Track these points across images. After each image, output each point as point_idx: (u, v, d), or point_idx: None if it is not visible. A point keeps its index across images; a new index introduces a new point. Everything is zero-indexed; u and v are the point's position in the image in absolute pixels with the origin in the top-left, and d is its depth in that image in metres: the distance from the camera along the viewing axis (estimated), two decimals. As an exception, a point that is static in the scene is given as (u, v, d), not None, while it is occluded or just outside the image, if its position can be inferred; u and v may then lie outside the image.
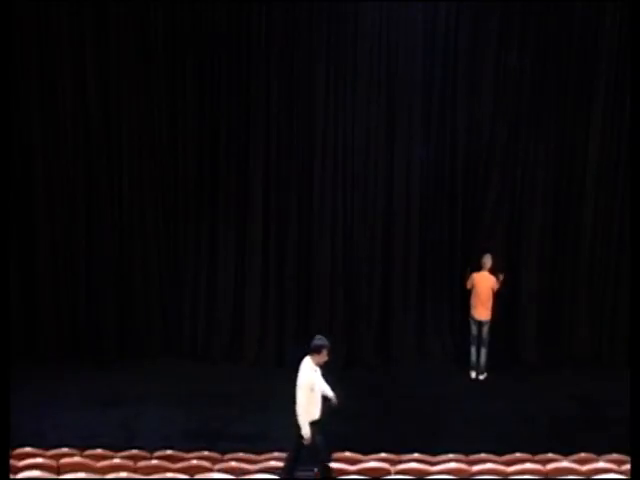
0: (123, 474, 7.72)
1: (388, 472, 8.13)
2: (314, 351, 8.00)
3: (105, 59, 11.50)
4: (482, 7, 11.62)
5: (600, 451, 8.81)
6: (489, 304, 11.55)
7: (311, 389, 7.98)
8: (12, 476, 7.43)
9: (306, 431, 7.96)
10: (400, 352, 12.29)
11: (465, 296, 12.13)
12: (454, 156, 12.04)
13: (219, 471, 8.04)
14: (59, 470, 7.93)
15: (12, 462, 7.75)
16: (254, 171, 11.88)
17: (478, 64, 11.80)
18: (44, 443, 8.95)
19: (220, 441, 9.72)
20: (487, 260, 11.55)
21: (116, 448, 8.80)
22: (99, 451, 8.60)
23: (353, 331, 12.27)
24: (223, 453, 8.75)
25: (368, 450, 8.78)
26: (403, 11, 11.56)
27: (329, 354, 8.00)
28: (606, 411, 10.75)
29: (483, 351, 11.62)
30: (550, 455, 8.66)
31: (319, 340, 8.02)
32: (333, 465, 8.22)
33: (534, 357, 12.22)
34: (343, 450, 8.69)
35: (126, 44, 11.47)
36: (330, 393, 8.23)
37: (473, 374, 11.73)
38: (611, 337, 12.39)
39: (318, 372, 8.09)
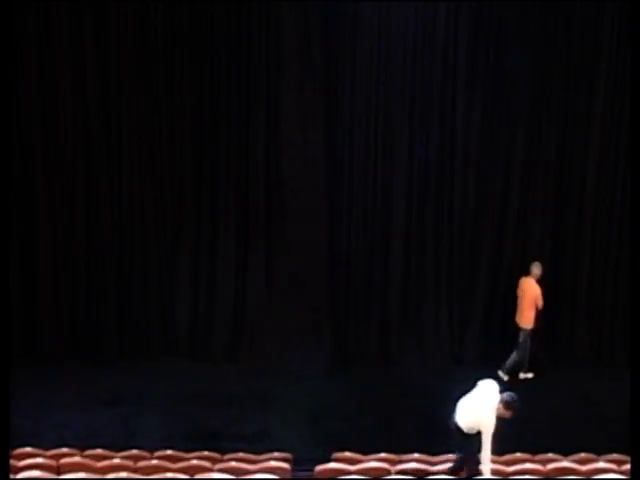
0: (123, 474, 7.72)
1: (388, 472, 8.14)
2: (504, 405, 7.94)
3: (105, 59, 11.47)
4: (482, 7, 11.61)
5: (600, 451, 8.82)
6: (527, 312, 11.44)
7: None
8: (12, 476, 7.43)
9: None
10: (400, 352, 12.30)
11: (464, 295, 12.24)
12: (452, 156, 12.03)
13: (219, 471, 8.04)
14: (59, 470, 7.93)
15: (12, 462, 7.75)
16: (254, 171, 11.88)
17: (478, 64, 11.79)
18: (44, 443, 8.96)
19: (220, 441, 9.73)
20: (534, 268, 11.48)
21: (116, 448, 8.82)
22: (99, 451, 8.61)
23: (353, 331, 12.28)
24: (223, 453, 8.75)
25: (368, 450, 8.80)
26: (403, 11, 11.54)
27: (512, 415, 7.99)
28: (606, 411, 10.76)
29: (512, 354, 11.54)
30: (550, 455, 8.67)
31: (511, 398, 7.95)
32: (332, 465, 8.26)
33: (534, 356, 12.21)
34: (343, 450, 8.71)
35: (126, 44, 11.44)
36: None
37: (521, 375, 11.68)
38: (611, 337, 12.39)
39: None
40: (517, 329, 11.60)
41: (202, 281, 12.16)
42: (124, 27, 11.42)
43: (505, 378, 11.58)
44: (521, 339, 11.53)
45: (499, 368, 11.61)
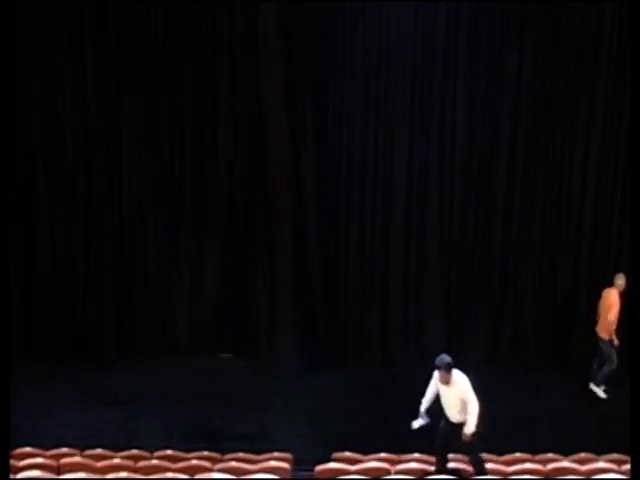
0: (123, 474, 7.73)
1: (388, 472, 8.14)
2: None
3: (105, 59, 11.49)
4: (482, 7, 11.61)
5: (600, 451, 8.82)
6: (603, 322, 11.16)
7: None
8: (12, 476, 7.44)
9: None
10: (400, 352, 12.30)
11: (464, 295, 12.24)
12: (453, 156, 12.03)
13: (219, 471, 8.05)
14: (59, 470, 7.94)
15: (12, 462, 7.76)
16: (256, 170, 11.86)
17: (478, 64, 11.78)
18: (44, 443, 8.97)
19: (220, 441, 9.73)
20: (618, 279, 11.17)
21: (116, 448, 8.82)
22: (99, 451, 8.62)
23: (352, 331, 12.27)
24: (223, 453, 8.76)
25: (368, 450, 8.80)
26: (402, 11, 11.54)
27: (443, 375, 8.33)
28: (606, 411, 10.75)
29: (602, 368, 11.17)
30: (550, 455, 8.67)
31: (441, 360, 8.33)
32: (332, 465, 8.26)
33: (534, 357, 12.22)
34: (343, 450, 8.71)
35: (126, 44, 11.46)
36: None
37: (591, 385, 11.33)
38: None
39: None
40: (596, 339, 11.26)
41: (202, 281, 12.17)
42: (124, 27, 11.43)
43: (601, 393, 11.25)
44: (601, 349, 11.15)
45: (592, 381, 11.28)
